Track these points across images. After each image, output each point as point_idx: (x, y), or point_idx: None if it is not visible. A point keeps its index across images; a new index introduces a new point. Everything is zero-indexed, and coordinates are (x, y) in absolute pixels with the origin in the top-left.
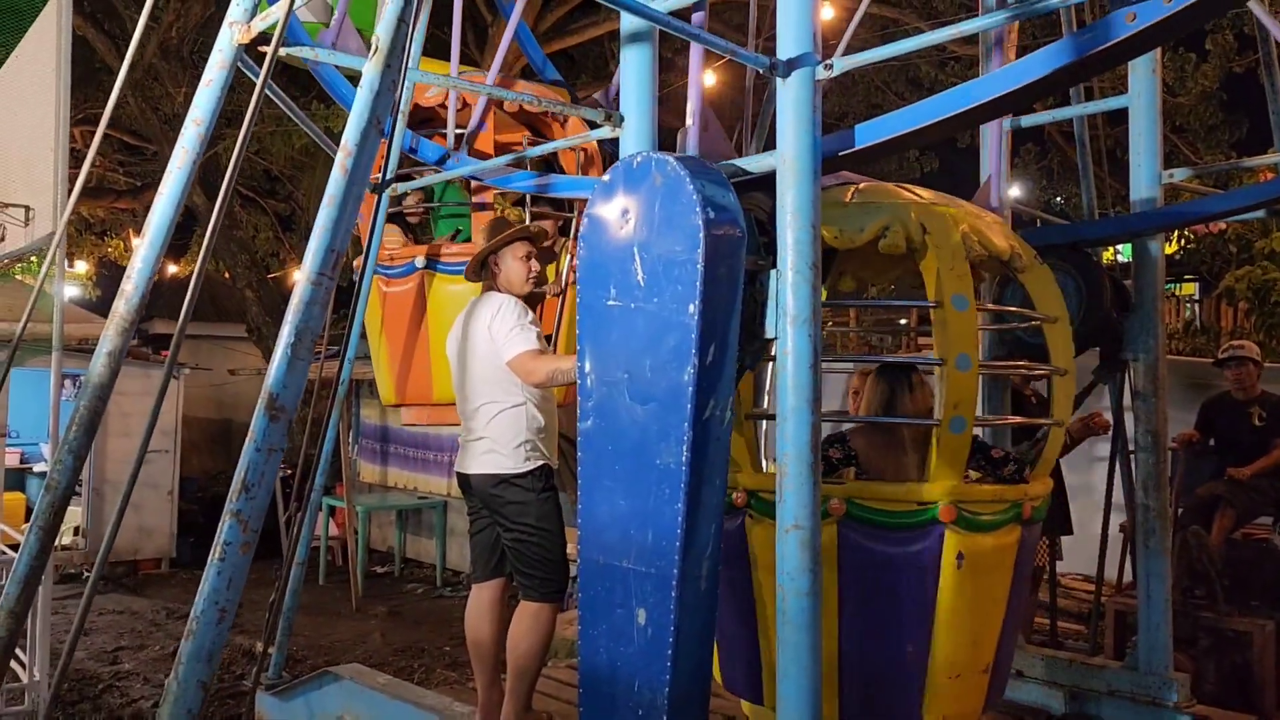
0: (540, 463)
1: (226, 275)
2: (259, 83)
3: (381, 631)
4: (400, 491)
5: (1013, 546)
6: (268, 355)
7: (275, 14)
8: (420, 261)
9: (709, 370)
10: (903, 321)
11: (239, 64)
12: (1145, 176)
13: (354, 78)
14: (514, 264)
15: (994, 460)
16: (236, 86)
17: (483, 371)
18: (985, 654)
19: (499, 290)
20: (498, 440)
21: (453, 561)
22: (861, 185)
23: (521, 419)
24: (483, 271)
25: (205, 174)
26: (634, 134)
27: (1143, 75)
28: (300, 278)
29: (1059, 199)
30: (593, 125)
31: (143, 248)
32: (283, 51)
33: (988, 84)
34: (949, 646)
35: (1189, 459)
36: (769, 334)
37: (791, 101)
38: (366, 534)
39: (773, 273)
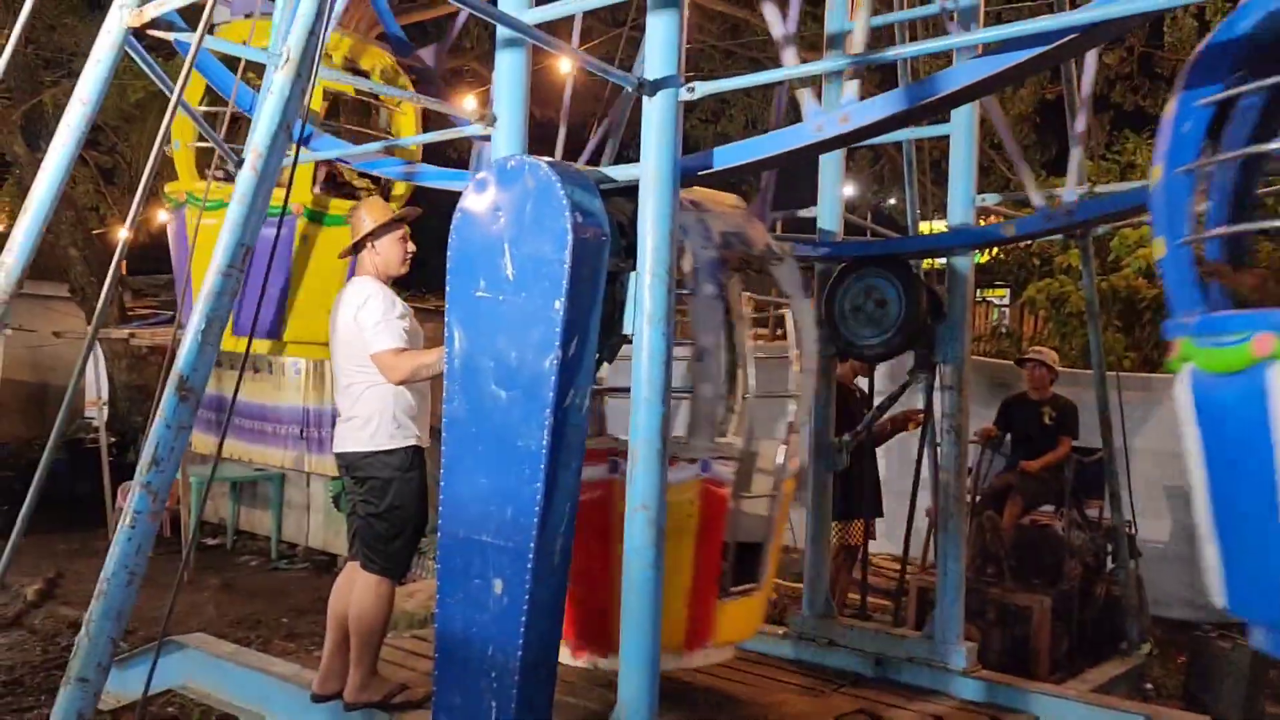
0: (406, 443)
1: (47, 231)
2: (174, 96)
3: (215, 604)
4: (235, 463)
5: None
6: (91, 317)
7: (170, 2)
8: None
9: (571, 361)
10: None
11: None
12: (961, 199)
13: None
14: (394, 244)
15: None
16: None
17: (349, 353)
18: None
19: (371, 275)
20: (363, 417)
21: (288, 534)
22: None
23: (388, 396)
24: (356, 252)
25: (27, 121)
26: (506, 134)
27: (964, 109)
28: (212, 270)
29: (890, 201)
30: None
31: (25, 221)
32: (173, 36)
33: (835, 121)
34: None
35: (988, 451)
36: (626, 331)
37: (656, 120)
38: (200, 505)
39: (632, 274)
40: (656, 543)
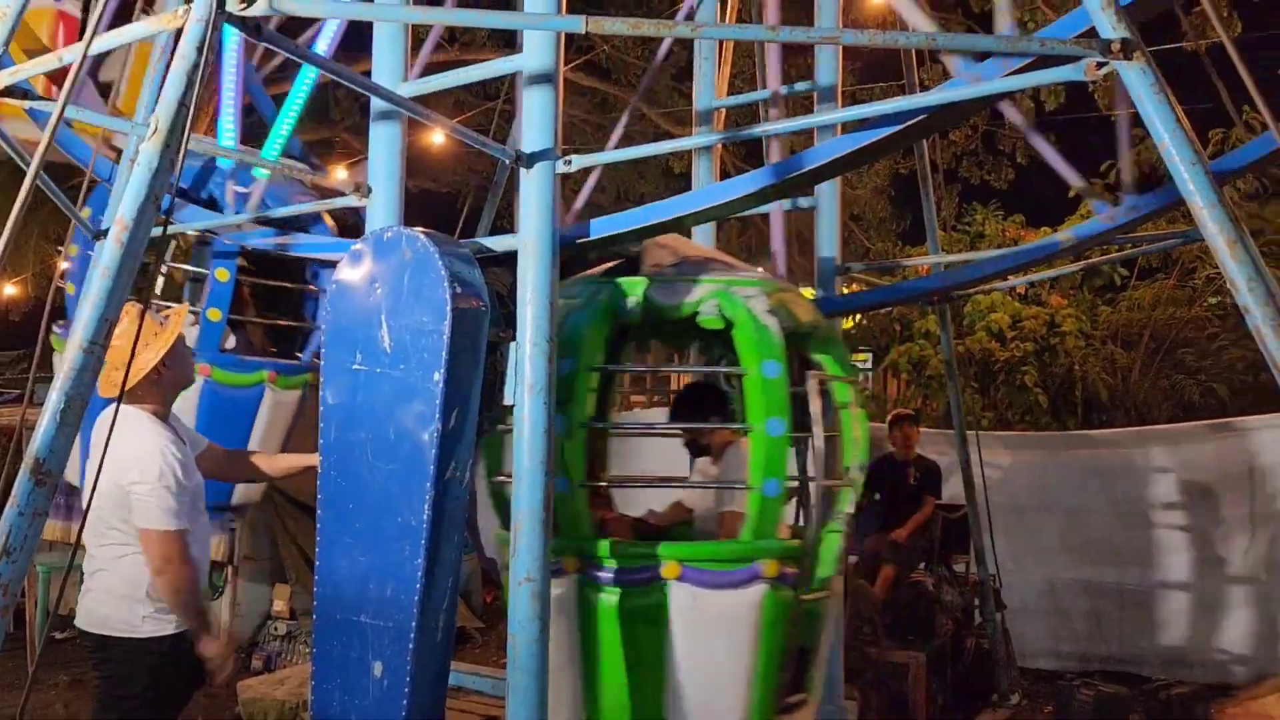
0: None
1: None
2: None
3: (64, 703)
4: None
5: None
6: None
7: (24, 70)
8: None
9: (451, 434)
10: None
11: None
12: (828, 268)
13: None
14: (188, 357)
15: None
16: None
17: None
18: None
19: (152, 408)
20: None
21: None
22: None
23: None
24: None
25: None
26: (382, 206)
27: (827, 184)
28: (72, 345)
29: (758, 270)
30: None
31: None
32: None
33: (703, 196)
34: None
35: (857, 511)
36: (508, 401)
37: (534, 191)
38: (46, 596)
39: (512, 344)
40: (542, 615)
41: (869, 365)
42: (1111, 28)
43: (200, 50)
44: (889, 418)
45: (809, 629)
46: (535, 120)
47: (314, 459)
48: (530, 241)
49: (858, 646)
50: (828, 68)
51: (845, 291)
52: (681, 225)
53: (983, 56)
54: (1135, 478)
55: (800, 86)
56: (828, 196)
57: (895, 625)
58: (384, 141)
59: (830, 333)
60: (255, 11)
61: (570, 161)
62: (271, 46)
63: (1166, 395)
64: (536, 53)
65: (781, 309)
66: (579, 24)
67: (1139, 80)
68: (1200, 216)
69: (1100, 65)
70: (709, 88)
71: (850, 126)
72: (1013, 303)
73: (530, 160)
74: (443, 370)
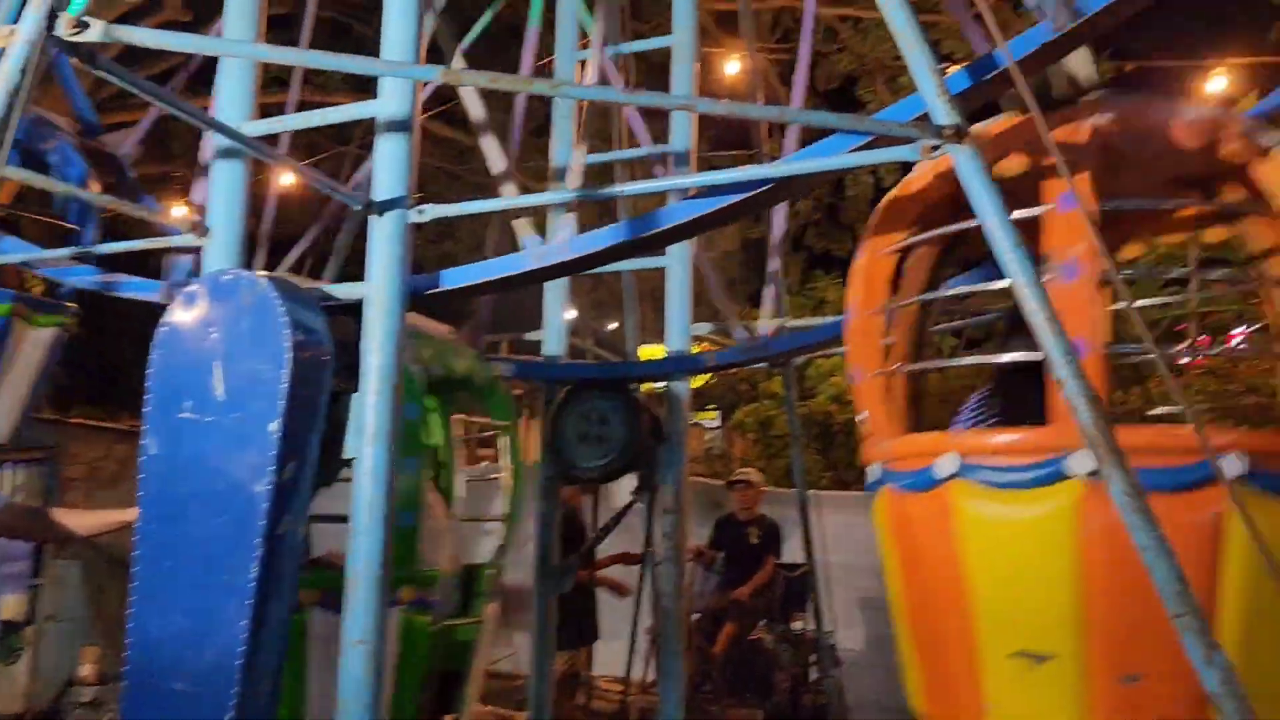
0: None
1: None
2: None
3: None
4: None
5: None
6: None
7: None
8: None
9: (286, 486)
10: None
11: None
12: (678, 328)
13: None
14: None
15: None
16: None
17: None
18: None
19: None
20: None
21: None
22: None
23: None
24: None
25: None
26: (221, 247)
27: (679, 244)
28: None
29: (611, 325)
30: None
31: None
32: None
33: (558, 250)
34: None
35: (701, 569)
36: (348, 454)
37: (384, 240)
38: None
39: (354, 395)
40: (376, 680)
41: (717, 423)
42: (945, 114)
43: (24, 73)
44: (730, 479)
45: (458, 653)
46: (387, 168)
47: (131, 514)
48: (378, 290)
49: (697, 704)
50: (681, 133)
51: (695, 350)
52: (536, 279)
53: (827, 132)
54: None
55: (655, 149)
56: (679, 258)
57: (735, 682)
58: (225, 180)
59: (489, 383)
60: (89, 38)
61: (424, 211)
62: (106, 77)
63: None
64: (393, 100)
65: (434, 359)
66: (435, 74)
67: (967, 164)
68: (1021, 294)
69: (934, 148)
70: (566, 145)
71: (703, 192)
72: None
73: (381, 208)
74: (279, 420)
